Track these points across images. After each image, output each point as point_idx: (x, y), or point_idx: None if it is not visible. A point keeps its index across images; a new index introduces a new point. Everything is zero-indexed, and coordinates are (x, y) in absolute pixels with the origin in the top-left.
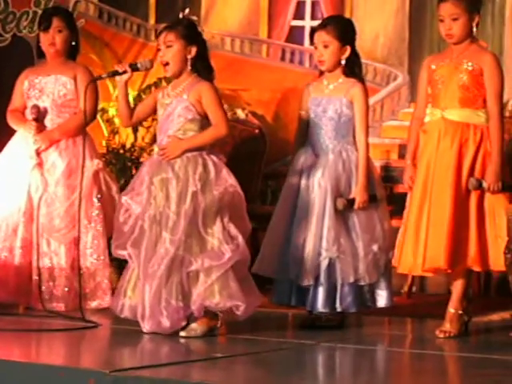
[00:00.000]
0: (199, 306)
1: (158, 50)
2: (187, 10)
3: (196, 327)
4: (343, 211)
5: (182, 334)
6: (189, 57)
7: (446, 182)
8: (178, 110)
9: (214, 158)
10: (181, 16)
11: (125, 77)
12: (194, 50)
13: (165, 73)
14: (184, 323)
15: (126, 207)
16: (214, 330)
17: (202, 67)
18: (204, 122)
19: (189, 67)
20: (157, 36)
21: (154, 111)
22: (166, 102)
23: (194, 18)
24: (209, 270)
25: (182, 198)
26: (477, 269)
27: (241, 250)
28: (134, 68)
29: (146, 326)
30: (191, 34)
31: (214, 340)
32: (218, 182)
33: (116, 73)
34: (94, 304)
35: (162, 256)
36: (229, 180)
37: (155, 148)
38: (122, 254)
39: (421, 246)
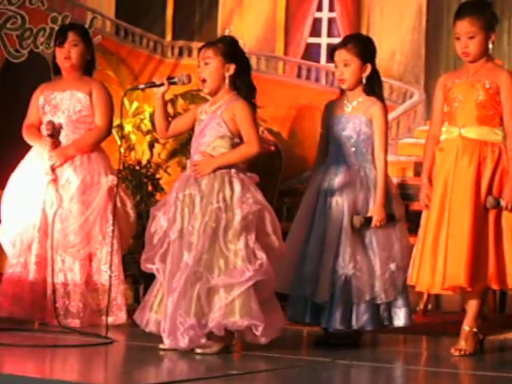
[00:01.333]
0: (217, 324)
1: (198, 66)
2: (231, 28)
3: (212, 344)
4: (360, 229)
5: (198, 350)
6: (227, 74)
7: (464, 201)
8: (210, 126)
9: (242, 175)
10: (226, 33)
11: (162, 89)
12: (232, 67)
13: (202, 89)
14: (203, 341)
15: (155, 221)
16: (229, 347)
17: (242, 85)
18: (235, 140)
19: (227, 85)
20: (198, 52)
21: (192, 127)
22: (202, 117)
23: (238, 36)
24: (229, 287)
25: (205, 215)
26: (495, 287)
27: (264, 270)
28: (171, 82)
29: (166, 342)
30: (231, 51)
31: (230, 357)
32: (243, 199)
33: (153, 84)
34: (110, 320)
35: (182, 271)
36: (255, 198)
37: (188, 163)
38: (150, 267)
39: (439, 265)
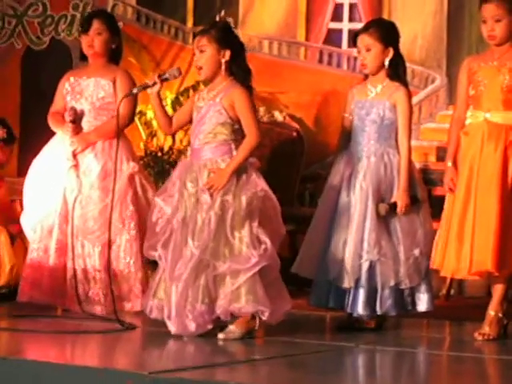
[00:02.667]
0: (224, 310)
1: (194, 54)
2: (222, 13)
3: (234, 329)
4: (385, 215)
5: (221, 336)
6: (223, 60)
7: (491, 186)
8: (210, 113)
9: (245, 163)
10: (217, 19)
11: (155, 88)
12: (227, 53)
13: (199, 76)
14: (210, 326)
15: (158, 208)
16: (251, 333)
17: (238, 70)
18: (236, 126)
19: (223, 71)
20: (193, 40)
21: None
22: (200, 104)
23: (230, 19)
24: (235, 274)
25: (211, 204)
26: None
27: (269, 254)
28: (163, 79)
29: (172, 328)
30: (225, 37)
31: (252, 342)
32: (248, 186)
33: (146, 86)
34: (128, 306)
35: (188, 259)
36: (258, 184)
37: (189, 150)
38: (152, 254)
39: (466, 250)
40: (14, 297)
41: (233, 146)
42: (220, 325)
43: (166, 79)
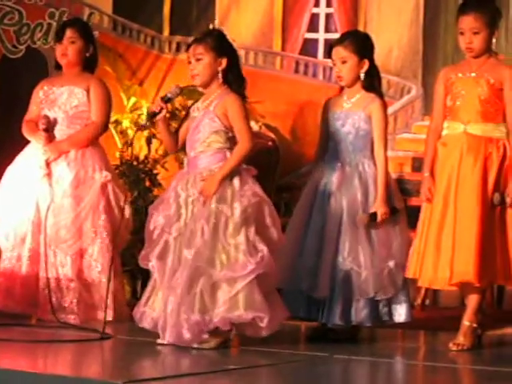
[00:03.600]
0: (222, 319)
1: (189, 62)
2: (216, 22)
3: (209, 339)
4: (366, 226)
5: (194, 345)
6: (219, 69)
7: (472, 198)
8: (204, 121)
9: (240, 169)
10: (210, 27)
11: (163, 113)
12: (224, 61)
13: (194, 82)
14: (206, 336)
15: (154, 219)
16: (227, 342)
17: (233, 78)
18: (230, 134)
19: (220, 79)
20: (187, 49)
21: None
22: (195, 115)
23: (222, 28)
24: (231, 281)
25: (205, 211)
26: (501, 283)
27: (265, 262)
28: (167, 100)
29: (166, 338)
30: (221, 45)
31: (227, 352)
32: (242, 193)
33: (155, 114)
34: (100, 315)
35: (183, 268)
36: (253, 191)
37: (185, 160)
38: (146, 264)
39: (444, 261)
40: None
41: (228, 154)
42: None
43: (170, 100)
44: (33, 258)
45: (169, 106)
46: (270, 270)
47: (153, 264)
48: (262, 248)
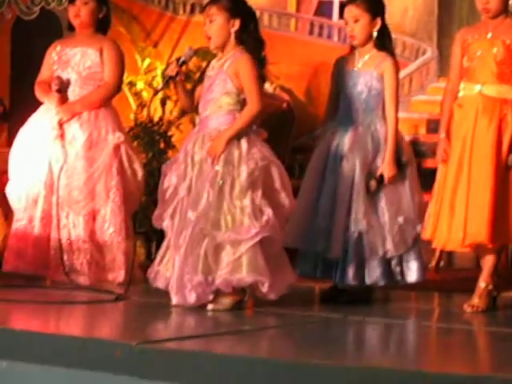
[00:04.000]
0: (224, 281)
1: (204, 24)
2: None
3: (224, 301)
4: (374, 191)
5: (210, 307)
6: (232, 30)
7: (486, 159)
8: (217, 81)
9: (248, 131)
10: None
11: (179, 76)
12: (237, 22)
13: (210, 45)
14: (211, 297)
15: (167, 178)
16: (241, 304)
17: (248, 39)
18: (241, 96)
19: (232, 40)
20: (201, 11)
21: None
22: (210, 73)
23: None
24: (235, 244)
25: (212, 174)
26: None
27: (270, 226)
28: (181, 64)
29: (173, 299)
30: (235, 6)
31: (241, 313)
32: (249, 156)
33: (171, 78)
34: (111, 277)
35: (188, 229)
36: (261, 154)
37: (196, 119)
38: (159, 224)
39: (458, 222)
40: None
41: (237, 115)
42: None
43: (184, 62)
44: (45, 219)
45: (183, 68)
46: (274, 234)
47: (166, 224)
48: (268, 212)
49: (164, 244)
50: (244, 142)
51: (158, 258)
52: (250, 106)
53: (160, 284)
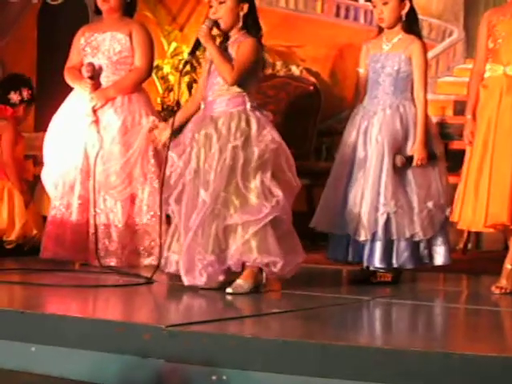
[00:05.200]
0: (237, 261)
1: (210, 6)
2: None
3: (243, 283)
4: (401, 168)
5: (229, 290)
6: (241, 13)
7: (508, 140)
8: None
9: (259, 114)
10: None
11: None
12: (246, 6)
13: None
14: (222, 278)
15: (171, 162)
16: (259, 287)
17: (253, 24)
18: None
19: (240, 23)
20: None
21: None
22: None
23: None
24: (246, 224)
25: (222, 153)
26: None
27: (281, 206)
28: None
29: (184, 279)
30: None
31: (268, 296)
32: (260, 138)
33: (196, 45)
34: (148, 261)
35: (199, 209)
36: (271, 137)
37: (202, 105)
38: (166, 208)
39: (482, 203)
40: (19, 252)
41: (246, 99)
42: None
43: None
44: (82, 205)
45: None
46: (284, 214)
47: (172, 208)
48: (278, 193)
49: (171, 229)
50: (254, 124)
51: (167, 244)
52: (227, 77)
53: (171, 269)
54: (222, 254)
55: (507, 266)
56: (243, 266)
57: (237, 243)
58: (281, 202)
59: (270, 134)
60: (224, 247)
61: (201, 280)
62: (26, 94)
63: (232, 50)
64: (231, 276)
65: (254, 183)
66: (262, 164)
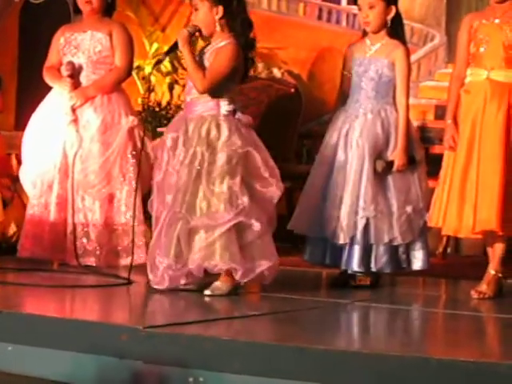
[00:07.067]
0: (197, 266)
1: (196, 9)
2: None
3: (221, 285)
4: (381, 173)
5: (207, 292)
6: (216, 17)
7: (494, 145)
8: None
9: (232, 119)
10: None
11: (185, 33)
12: (220, 9)
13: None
14: (183, 281)
15: (156, 163)
16: (237, 289)
17: (234, 25)
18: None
19: (217, 27)
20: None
21: None
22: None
23: None
24: (209, 229)
25: (187, 157)
26: None
27: (246, 212)
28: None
29: (151, 281)
30: None
31: (247, 298)
32: (229, 143)
33: (173, 47)
34: (126, 261)
35: (164, 212)
36: (242, 141)
37: (183, 104)
38: (150, 210)
39: (468, 209)
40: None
41: (221, 103)
42: (205, 281)
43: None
44: (60, 204)
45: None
46: (250, 220)
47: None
48: (244, 199)
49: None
50: (225, 129)
51: (151, 243)
52: (197, 85)
53: None
54: (182, 257)
55: (491, 271)
56: (205, 271)
57: (199, 247)
58: (247, 208)
59: (242, 139)
60: (185, 251)
61: (162, 282)
62: None
63: (210, 57)
64: (206, 278)
65: (221, 188)
66: (229, 169)
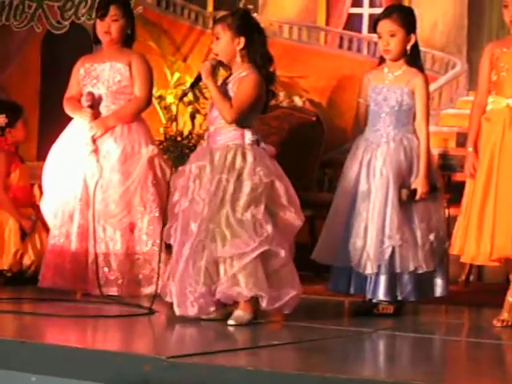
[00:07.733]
0: (223, 295)
1: (212, 41)
2: (243, 1)
3: (243, 314)
4: (406, 201)
5: (231, 322)
6: (237, 48)
7: None
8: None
9: (257, 148)
10: (239, 6)
11: (208, 66)
12: (242, 40)
13: None
14: (212, 309)
15: (173, 192)
16: (256, 318)
17: (255, 57)
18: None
19: (238, 58)
20: (212, 27)
21: None
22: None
23: (250, 7)
24: (234, 258)
25: (212, 185)
26: None
27: (270, 240)
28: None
29: (176, 310)
30: (240, 24)
31: (271, 327)
32: (254, 172)
33: (197, 80)
34: (148, 290)
35: (189, 241)
36: (267, 171)
37: (206, 135)
38: (168, 239)
39: (486, 236)
40: (16, 281)
41: (245, 133)
42: (227, 311)
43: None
44: (81, 234)
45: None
46: (275, 248)
47: (173, 239)
48: (268, 227)
49: (172, 259)
50: (250, 157)
51: (168, 272)
52: (226, 116)
53: (169, 298)
54: (213, 285)
55: (509, 298)
56: (232, 299)
57: (224, 276)
58: (271, 236)
59: (266, 169)
60: (214, 279)
61: (192, 311)
62: (1, 120)
63: (234, 86)
64: (228, 307)
65: (245, 216)
66: (254, 198)
